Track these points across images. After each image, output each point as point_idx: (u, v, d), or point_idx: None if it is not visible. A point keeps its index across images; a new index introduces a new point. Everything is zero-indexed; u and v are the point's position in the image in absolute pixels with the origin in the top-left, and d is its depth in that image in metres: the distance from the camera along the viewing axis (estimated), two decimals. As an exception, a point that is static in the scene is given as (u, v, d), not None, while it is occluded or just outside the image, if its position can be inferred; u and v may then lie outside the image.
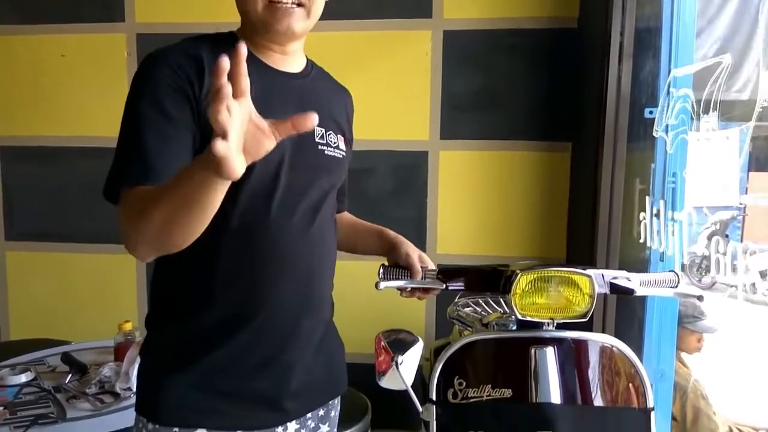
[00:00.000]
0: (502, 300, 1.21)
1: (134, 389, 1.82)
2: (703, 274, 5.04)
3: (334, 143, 1.12)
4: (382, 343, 1.26)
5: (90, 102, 2.72)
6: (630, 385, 1.22)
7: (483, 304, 1.91)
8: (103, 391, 1.85)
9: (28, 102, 2.80)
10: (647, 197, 1.99)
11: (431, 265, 1.28)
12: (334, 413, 1.24)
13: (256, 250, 1.03)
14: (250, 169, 0.97)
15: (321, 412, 1.19)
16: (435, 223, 2.67)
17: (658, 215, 1.79)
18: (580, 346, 1.23)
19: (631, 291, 1.25)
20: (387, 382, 1.25)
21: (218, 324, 1.04)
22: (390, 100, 2.56)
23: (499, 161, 2.61)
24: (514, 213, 2.62)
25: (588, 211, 2.16)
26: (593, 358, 1.24)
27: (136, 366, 1.84)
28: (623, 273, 1.25)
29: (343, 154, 1.15)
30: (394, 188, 2.67)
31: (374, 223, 1.38)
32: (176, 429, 1.02)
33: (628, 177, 2.07)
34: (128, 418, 1.70)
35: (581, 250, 2.31)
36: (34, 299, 2.89)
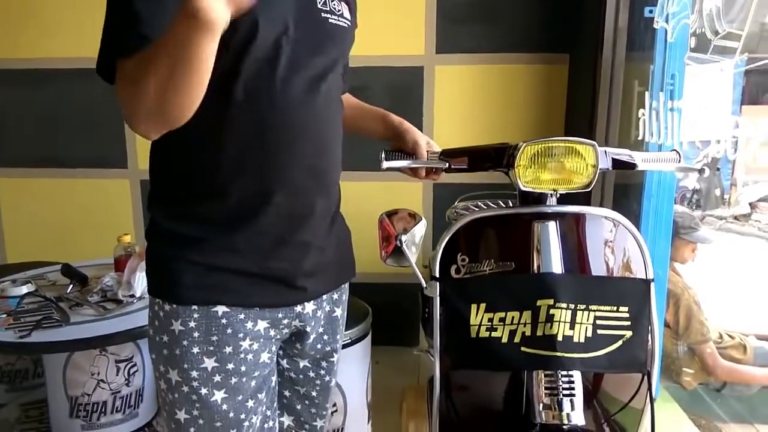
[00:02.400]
0: (508, 173, 1.20)
1: (137, 295, 1.85)
2: (694, 208, 5.10)
3: (338, 11, 1.08)
4: (386, 222, 1.26)
5: (83, 21, 2.64)
6: (630, 257, 1.24)
7: (482, 205, 1.93)
8: (105, 299, 1.87)
9: (17, 22, 2.71)
10: (646, 94, 1.98)
11: (437, 149, 1.27)
12: (345, 298, 1.24)
13: (264, 123, 0.99)
14: (251, 38, 0.95)
15: (335, 296, 1.18)
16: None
17: (657, 111, 1.79)
18: (581, 219, 1.24)
19: (633, 165, 1.25)
20: (392, 261, 1.26)
21: (235, 204, 1.00)
22: (383, 14, 2.50)
23: (496, 75, 2.58)
24: (511, 129, 2.61)
25: (586, 118, 2.15)
26: (594, 231, 1.25)
27: (138, 275, 1.86)
28: (625, 150, 1.25)
29: (348, 22, 1.11)
30: (388, 106, 2.63)
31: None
32: (195, 307, 1.00)
33: (627, 80, 2.05)
34: (131, 321, 1.74)
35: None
36: (29, 225, 2.88)
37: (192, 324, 1.00)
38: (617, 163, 1.23)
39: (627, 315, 1.17)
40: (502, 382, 1.30)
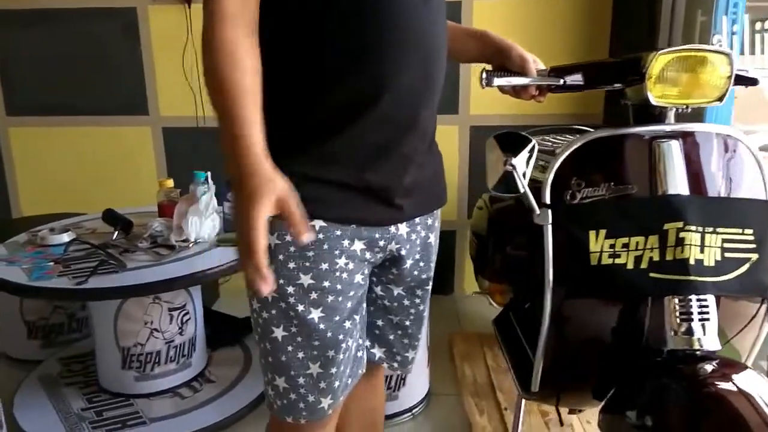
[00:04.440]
0: (626, 89, 1.12)
1: (192, 239, 1.76)
2: None
3: None
4: (495, 144, 1.18)
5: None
6: (752, 176, 1.18)
7: (551, 140, 1.85)
8: (156, 245, 1.77)
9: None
10: (711, 31, 1.90)
11: (542, 66, 1.18)
12: (438, 225, 1.17)
13: (375, 25, 0.91)
14: None
15: (428, 221, 1.11)
16: (468, 83, 2.57)
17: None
18: (702, 138, 1.17)
19: (755, 81, 1.19)
20: (500, 188, 1.18)
21: (336, 109, 0.93)
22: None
23: (537, 7, 2.48)
24: (552, 60, 2.52)
25: (642, 46, 2.07)
26: (716, 149, 1.18)
27: (190, 218, 1.76)
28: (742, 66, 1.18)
29: None
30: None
31: None
32: None
33: (689, 8, 1.97)
34: (189, 266, 1.65)
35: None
36: (44, 176, 2.74)
37: (288, 237, 0.93)
38: (738, 79, 1.15)
39: (752, 237, 1.12)
40: (608, 313, 1.24)
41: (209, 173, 1.87)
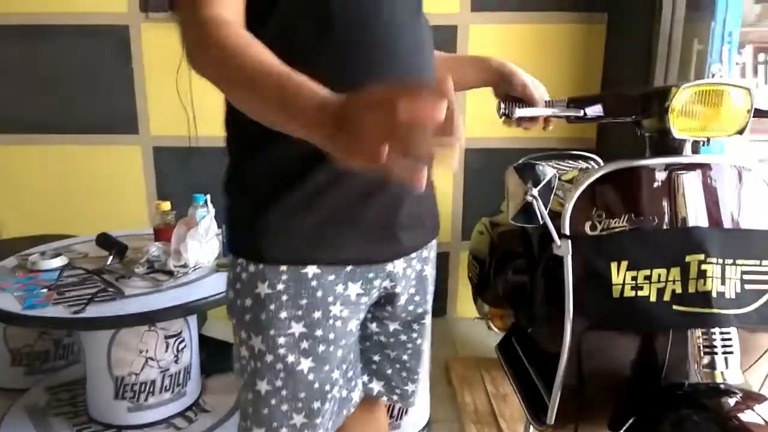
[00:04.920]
0: (641, 121, 1.13)
1: (190, 265, 1.71)
2: None
3: None
4: (515, 174, 1.17)
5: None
6: (766, 207, 1.19)
7: (549, 166, 1.85)
8: (153, 270, 1.72)
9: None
10: (707, 60, 1.94)
11: (547, 96, 1.18)
12: (434, 255, 1.13)
13: (369, 54, 0.87)
14: None
15: (424, 253, 1.07)
16: (463, 105, 2.57)
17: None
18: (717, 169, 1.18)
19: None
20: (520, 218, 1.17)
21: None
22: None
23: (531, 35, 2.50)
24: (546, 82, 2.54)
25: (639, 78, 2.10)
26: (731, 180, 1.19)
27: (188, 243, 1.72)
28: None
29: None
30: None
31: None
32: (284, 268, 0.89)
33: (686, 37, 2.01)
34: (187, 293, 1.61)
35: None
36: (26, 196, 2.66)
37: (280, 286, 0.89)
38: (757, 112, 1.17)
39: (771, 269, 1.13)
40: (628, 345, 1.24)
41: (209, 196, 1.83)
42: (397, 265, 0.99)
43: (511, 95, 1.16)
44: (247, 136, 0.89)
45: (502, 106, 1.16)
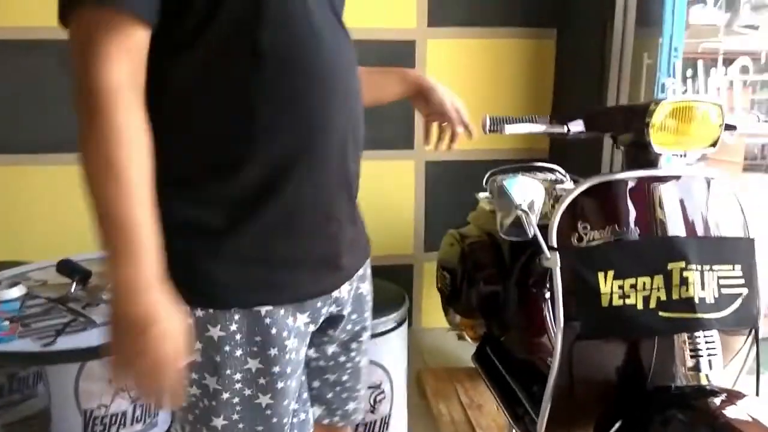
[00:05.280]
0: (622, 137, 1.18)
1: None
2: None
3: None
4: (504, 189, 1.20)
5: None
6: (733, 216, 1.27)
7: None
8: (123, 297, 1.65)
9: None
10: (656, 73, 2.05)
11: (464, 111, 1.21)
12: (369, 272, 1.12)
13: (299, 75, 0.83)
14: None
15: (360, 272, 1.05)
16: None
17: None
18: (690, 180, 1.24)
19: (734, 127, 1.29)
20: (512, 232, 1.20)
21: (266, 174, 0.84)
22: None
23: (485, 50, 2.57)
24: (499, 104, 2.61)
25: (591, 93, 2.19)
26: (702, 191, 1.26)
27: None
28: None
29: None
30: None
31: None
32: (234, 309, 0.85)
33: (636, 52, 2.11)
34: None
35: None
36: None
37: (233, 327, 0.86)
38: (727, 127, 1.24)
39: (741, 273, 1.20)
40: (615, 352, 1.28)
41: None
42: (342, 290, 0.98)
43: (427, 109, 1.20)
44: (183, 174, 0.84)
45: (489, 123, 1.19)
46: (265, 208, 0.84)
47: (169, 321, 0.74)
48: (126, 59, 0.72)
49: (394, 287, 1.96)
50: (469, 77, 2.59)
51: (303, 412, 1.02)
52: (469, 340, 2.04)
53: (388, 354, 1.81)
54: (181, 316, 0.76)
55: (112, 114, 0.70)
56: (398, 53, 2.53)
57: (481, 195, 2.00)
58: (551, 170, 1.96)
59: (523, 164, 2.11)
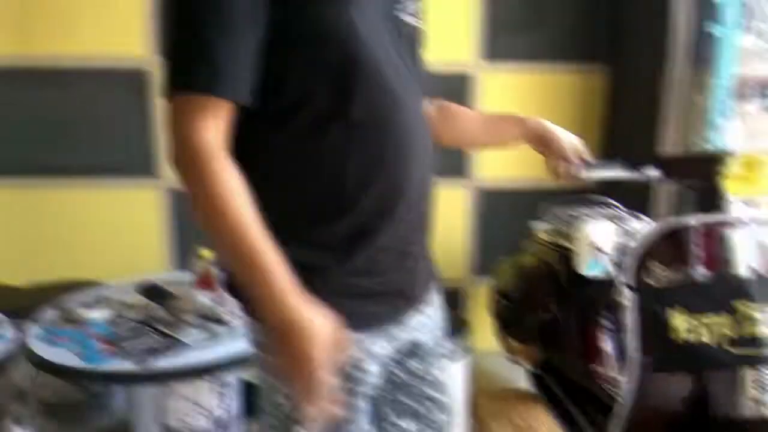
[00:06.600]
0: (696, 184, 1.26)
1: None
2: None
3: (411, 8, 1.02)
4: (582, 229, 1.28)
5: (104, 16, 2.44)
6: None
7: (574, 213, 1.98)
8: (206, 320, 1.76)
9: (29, 13, 2.45)
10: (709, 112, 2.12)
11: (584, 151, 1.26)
12: (437, 297, 1.20)
13: (385, 139, 0.95)
14: (359, 47, 0.89)
15: (430, 297, 1.15)
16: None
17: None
18: (759, 225, 1.32)
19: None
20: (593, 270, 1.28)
21: (355, 226, 0.96)
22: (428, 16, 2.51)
23: (536, 84, 2.65)
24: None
25: (646, 132, 2.26)
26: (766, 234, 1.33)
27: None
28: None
29: (418, 20, 1.04)
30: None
31: None
32: None
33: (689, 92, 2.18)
34: (244, 343, 1.64)
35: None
36: (33, 241, 2.63)
37: None
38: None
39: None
40: (680, 384, 1.35)
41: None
42: (416, 316, 1.08)
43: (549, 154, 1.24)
44: (279, 221, 0.91)
45: (582, 166, 1.24)
46: (355, 251, 0.96)
47: (317, 318, 0.86)
48: (216, 127, 0.86)
49: (454, 314, 2.04)
50: (521, 110, 2.67)
51: None
52: (526, 366, 2.11)
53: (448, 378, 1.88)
54: (326, 315, 0.87)
55: (216, 170, 0.85)
56: (450, 87, 2.62)
57: (538, 225, 2.07)
58: (605, 203, 2.03)
59: (577, 195, 2.19)
